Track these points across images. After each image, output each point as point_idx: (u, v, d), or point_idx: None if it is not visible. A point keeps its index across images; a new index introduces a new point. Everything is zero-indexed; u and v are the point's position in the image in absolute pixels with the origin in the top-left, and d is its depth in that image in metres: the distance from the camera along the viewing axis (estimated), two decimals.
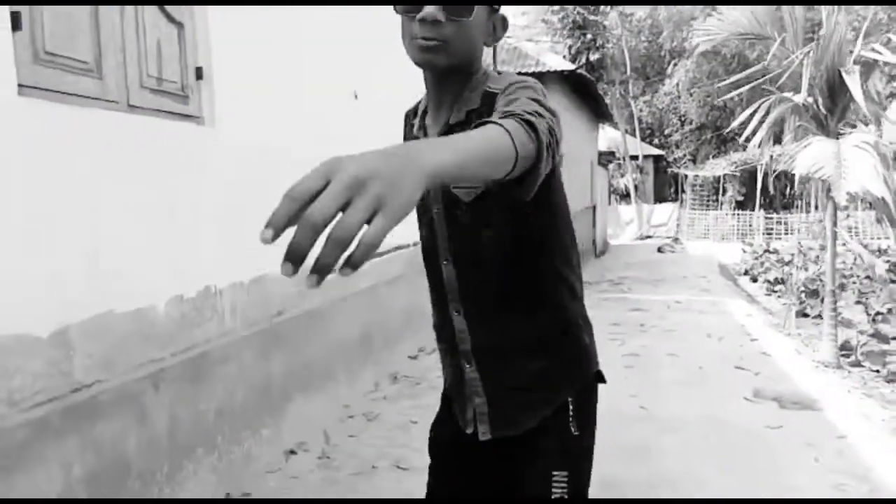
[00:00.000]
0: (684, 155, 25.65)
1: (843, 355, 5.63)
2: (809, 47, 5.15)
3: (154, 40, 2.57)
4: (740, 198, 20.68)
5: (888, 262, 11.24)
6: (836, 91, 5.13)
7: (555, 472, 1.26)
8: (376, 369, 4.57)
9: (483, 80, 1.24)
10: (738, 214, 20.11)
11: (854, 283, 9.21)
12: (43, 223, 2.05)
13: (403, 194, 0.62)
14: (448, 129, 1.23)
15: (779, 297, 9.66)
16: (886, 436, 3.66)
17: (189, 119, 2.79)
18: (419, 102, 1.35)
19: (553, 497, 1.24)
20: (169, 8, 2.64)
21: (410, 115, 1.37)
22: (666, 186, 24.75)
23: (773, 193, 18.52)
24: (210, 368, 2.79)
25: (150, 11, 2.56)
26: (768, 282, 11.14)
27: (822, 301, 6.96)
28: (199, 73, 2.84)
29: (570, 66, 10.42)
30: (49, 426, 2.01)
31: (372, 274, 4.51)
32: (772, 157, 8.54)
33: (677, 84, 23.85)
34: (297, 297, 3.53)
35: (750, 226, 19.64)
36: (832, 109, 5.25)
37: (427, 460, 1.41)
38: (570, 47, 19.89)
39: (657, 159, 24.94)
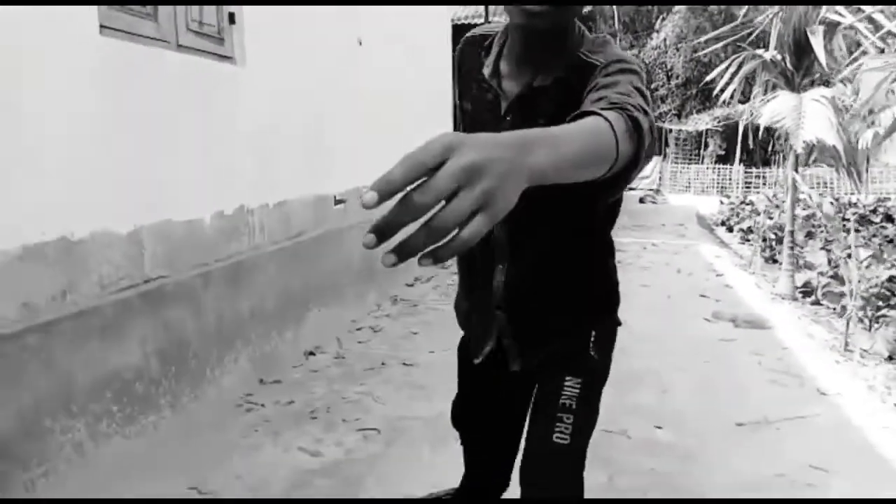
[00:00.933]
0: (669, 109, 25.95)
1: (803, 293, 6.21)
2: (780, 7, 5.55)
3: None
4: (721, 152, 21.16)
5: (855, 213, 11.92)
6: (801, 49, 5.55)
7: (567, 377, 1.31)
8: (378, 292, 5.06)
9: (578, 42, 1.16)
10: (719, 168, 20.62)
11: (821, 231, 9.85)
12: (119, 139, 2.47)
13: (507, 196, 0.57)
14: (530, 92, 1.17)
15: (750, 244, 10.27)
16: (824, 350, 4.23)
17: (224, 59, 3.18)
18: (488, 36, 1.28)
19: (561, 400, 1.29)
20: None
21: (478, 47, 1.28)
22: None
23: (753, 148, 19.01)
24: (245, 276, 3.25)
25: None
26: (742, 231, 11.74)
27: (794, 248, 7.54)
28: (231, 18, 3.22)
29: None
30: (130, 307, 2.48)
31: (375, 209, 4.96)
32: (752, 112, 8.98)
33: (664, 39, 23.99)
34: (313, 222, 3.98)
35: (729, 180, 20.18)
36: (798, 66, 5.68)
37: (430, 359, 1.70)
38: None
39: None
